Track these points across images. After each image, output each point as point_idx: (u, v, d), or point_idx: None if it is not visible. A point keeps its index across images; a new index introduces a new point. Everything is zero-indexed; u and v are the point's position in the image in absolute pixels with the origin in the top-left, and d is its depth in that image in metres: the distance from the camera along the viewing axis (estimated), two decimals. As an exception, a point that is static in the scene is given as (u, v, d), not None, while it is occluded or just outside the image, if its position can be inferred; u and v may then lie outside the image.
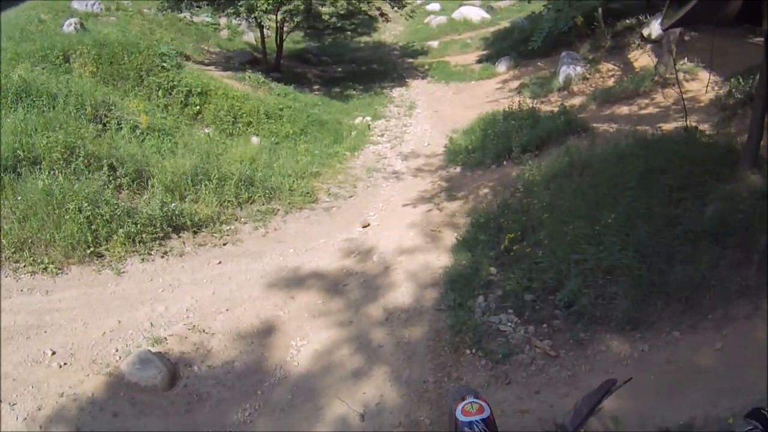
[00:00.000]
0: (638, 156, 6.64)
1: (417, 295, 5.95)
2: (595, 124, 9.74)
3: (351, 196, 9.26)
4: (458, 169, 10.04)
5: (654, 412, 3.97)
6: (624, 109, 10.62)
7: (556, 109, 10.61)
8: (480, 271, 5.89)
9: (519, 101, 11.42)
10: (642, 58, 12.32)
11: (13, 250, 6.08)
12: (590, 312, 4.98)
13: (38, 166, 6.91)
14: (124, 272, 6.31)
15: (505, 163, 9.35)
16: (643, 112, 10.23)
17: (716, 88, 9.52)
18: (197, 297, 5.98)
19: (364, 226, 7.93)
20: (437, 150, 11.41)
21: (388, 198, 9.15)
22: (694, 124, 7.52)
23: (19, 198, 6.41)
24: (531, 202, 6.92)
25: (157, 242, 6.84)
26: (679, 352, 4.52)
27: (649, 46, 12.52)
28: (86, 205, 6.47)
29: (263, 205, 8.33)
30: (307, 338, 5.49)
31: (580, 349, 4.80)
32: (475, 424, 2.07)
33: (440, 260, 6.55)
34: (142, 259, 6.53)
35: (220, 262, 6.77)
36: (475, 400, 2.17)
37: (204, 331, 5.44)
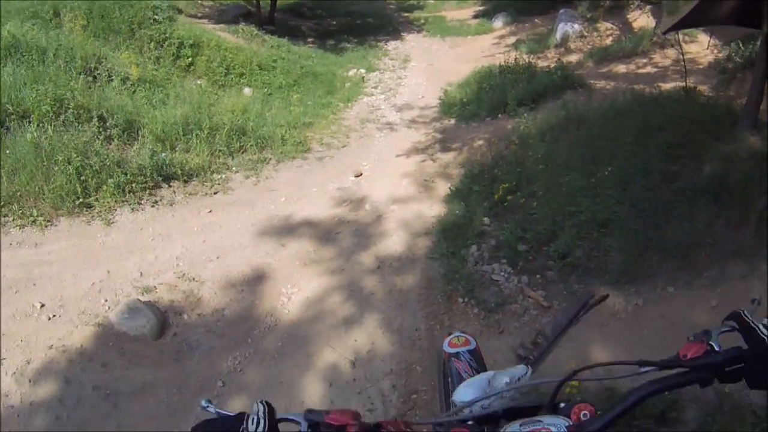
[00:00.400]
0: (636, 112, 6.40)
1: (409, 243, 5.72)
2: (592, 81, 9.48)
3: (344, 146, 8.97)
4: (452, 121, 9.79)
5: None
6: (621, 68, 10.38)
7: (552, 65, 10.33)
8: (473, 220, 5.65)
9: (515, 56, 11.14)
10: (641, 19, 12.03)
11: (1, 204, 5.82)
12: (584, 264, 4.77)
13: (27, 120, 6.63)
14: (113, 222, 6.05)
15: (500, 116, 9.09)
16: (640, 71, 9.97)
17: (715, 51, 9.29)
18: (187, 246, 5.74)
19: (357, 176, 7.65)
20: (431, 102, 11.13)
21: (381, 148, 8.87)
22: (692, 84, 7.25)
23: (8, 152, 6.13)
24: (526, 154, 6.67)
25: (147, 192, 6.57)
26: (673, 308, 4.33)
27: (648, 7, 12.21)
28: (75, 156, 6.21)
29: (255, 154, 8.05)
30: (298, 286, 5.27)
31: (574, 301, 4.55)
32: (462, 354, 2.04)
33: (433, 210, 6.31)
34: (132, 209, 6.26)
35: (210, 211, 6.52)
36: (462, 334, 2.15)
37: (194, 279, 5.22)
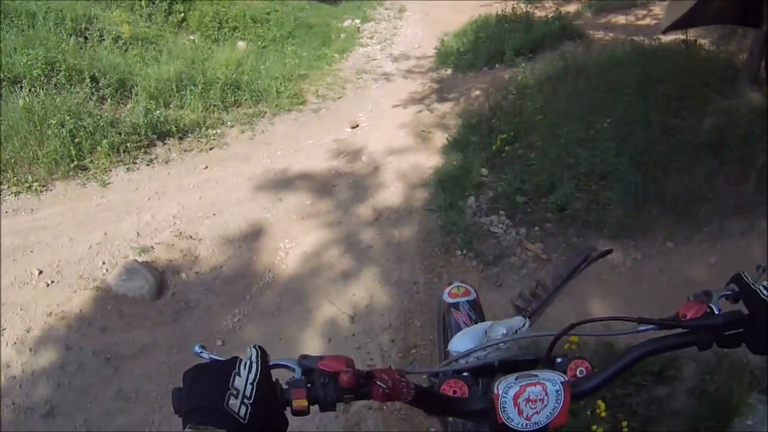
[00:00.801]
0: (635, 63, 6.06)
1: (407, 195, 5.51)
2: (590, 32, 9.09)
3: (340, 98, 8.67)
4: (449, 71, 9.44)
5: None
6: (620, 19, 9.98)
7: (550, 15, 9.90)
8: (471, 171, 5.42)
9: (512, 5, 10.73)
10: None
11: (-3, 171, 5.64)
12: (583, 217, 4.55)
13: (19, 85, 6.36)
14: (109, 183, 5.84)
15: (497, 65, 8.73)
16: (640, 22, 9.57)
17: (717, 6, 8.91)
18: (184, 203, 5.53)
19: (353, 127, 7.39)
20: (428, 52, 10.74)
21: (377, 99, 8.56)
22: (693, 38, 6.92)
23: (0, 119, 5.89)
24: (524, 105, 6.37)
25: (142, 151, 6.33)
26: (672, 263, 4.14)
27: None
28: (68, 118, 5.96)
29: (250, 108, 7.76)
30: (295, 240, 5.09)
31: (573, 255, 4.40)
32: (461, 305, 1.98)
33: (430, 161, 6.06)
34: (128, 169, 6.05)
35: (206, 167, 6.28)
36: (462, 284, 2.06)
37: (191, 237, 5.03)
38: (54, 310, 4.25)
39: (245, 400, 0.86)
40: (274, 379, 0.95)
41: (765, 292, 1.09)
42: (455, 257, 4.57)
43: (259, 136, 7.19)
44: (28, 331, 4.08)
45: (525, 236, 4.62)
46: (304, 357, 1.00)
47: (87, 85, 6.69)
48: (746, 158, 4.49)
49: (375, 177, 5.93)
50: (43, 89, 6.33)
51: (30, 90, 6.28)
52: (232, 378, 0.88)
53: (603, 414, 2.73)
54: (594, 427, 2.70)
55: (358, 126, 7.41)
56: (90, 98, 6.57)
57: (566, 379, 1.07)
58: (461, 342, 1.35)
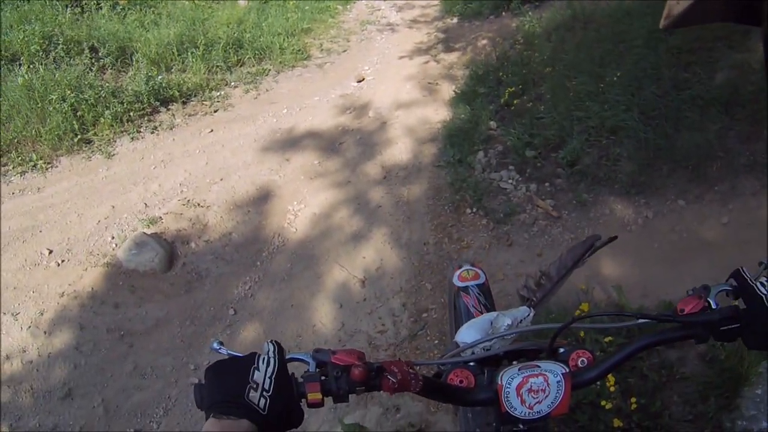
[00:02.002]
0: (645, 14, 5.66)
1: (415, 150, 5.29)
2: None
3: (344, 51, 8.35)
4: (455, 20, 9.06)
5: (656, 283, 3.46)
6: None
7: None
8: (479, 125, 5.16)
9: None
10: None
11: (0, 154, 5.49)
12: (594, 172, 4.34)
13: (18, 63, 6.18)
14: (114, 155, 5.66)
15: (503, 14, 8.35)
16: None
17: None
18: (190, 170, 5.36)
19: (359, 81, 7.11)
20: (432, 1, 10.32)
21: (382, 51, 8.23)
22: None
23: (1, 99, 5.72)
24: (532, 55, 6.04)
25: (146, 118, 6.13)
26: (683, 222, 3.92)
27: None
28: (69, 92, 5.79)
29: (253, 66, 7.48)
30: (304, 202, 4.92)
31: (583, 211, 4.19)
32: (471, 288, 1.99)
33: (438, 114, 5.80)
34: (132, 138, 5.86)
35: (211, 131, 6.08)
36: (471, 267, 2.06)
37: (199, 205, 4.88)
38: (66, 290, 4.15)
39: (264, 393, 0.90)
40: (290, 373, 0.98)
41: (762, 288, 1.08)
42: (465, 215, 4.38)
43: (263, 95, 6.94)
44: (42, 314, 3.99)
45: (535, 192, 4.41)
46: (318, 351, 1.03)
47: (86, 56, 6.48)
48: (759, 116, 4.20)
49: (382, 133, 5.71)
50: (42, 65, 6.15)
51: (29, 67, 6.10)
52: (251, 372, 0.92)
53: (612, 388, 2.61)
54: (603, 402, 2.57)
55: (364, 80, 7.13)
56: (90, 69, 6.36)
57: (567, 370, 1.09)
58: (468, 333, 1.34)
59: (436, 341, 3.49)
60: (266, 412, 0.89)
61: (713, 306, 1.11)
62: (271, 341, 1.00)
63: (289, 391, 0.95)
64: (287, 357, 1.02)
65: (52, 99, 5.70)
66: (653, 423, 2.61)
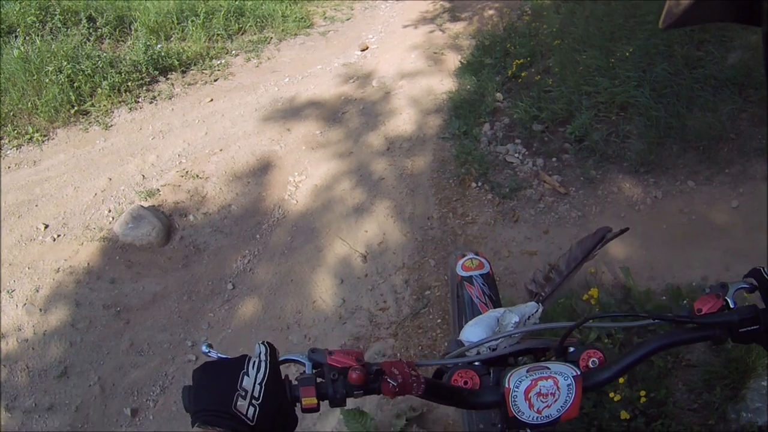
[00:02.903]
0: None
1: (419, 122, 5.07)
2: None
3: (348, 19, 8.04)
4: (461, -11, 8.74)
5: (664, 265, 3.33)
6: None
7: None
8: (486, 96, 4.94)
9: None
10: None
11: (-6, 126, 5.32)
12: (602, 149, 4.15)
13: (14, 35, 5.98)
14: (111, 126, 5.47)
15: (511, -18, 8.03)
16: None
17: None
18: (189, 140, 5.18)
19: (363, 50, 6.86)
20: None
21: (387, 19, 7.91)
22: None
23: None
24: (540, 27, 5.75)
25: (144, 88, 5.91)
26: (693, 203, 3.75)
27: None
28: (66, 63, 5.58)
29: (255, 35, 7.19)
30: (305, 173, 4.74)
31: (591, 188, 4.02)
32: (475, 278, 1.89)
33: (444, 84, 5.55)
34: (130, 109, 5.65)
35: (211, 100, 5.86)
36: (475, 256, 1.97)
37: (198, 176, 4.71)
38: (62, 265, 4.02)
39: (253, 401, 0.84)
40: (283, 375, 0.92)
41: None
42: (470, 189, 4.20)
43: (265, 64, 6.71)
44: (38, 290, 3.87)
45: (542, 167, 4.23)
46: (314, 351, 0.97)
47: (84, 27, 6.28)
48: (772, 97, 4.00)
49: (386, 103, 5.49)
50: (38, 36, 5.96)
51: (25, 39, 5.91)
52: (240, 378, 0.86)
53: (621, 380, 2.49)
54: (612, 394, 2.45)
55: (367, 48, 6.87)
56: (87, 40, 6.17)
57: (578, 372, 1.03)
58: (473, 331, 1.26)
59: (439, 320, 3.34)
60: (254, 423, 0.83)
61: (731, 305, 1.05)
62: (263, 342, 0.94)
63: (281, 396, 0.89)
64: (281, 358, 0.95)
65: (48, 71, 5.50)
66: (657, 411, 2.50)
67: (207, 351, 0.96)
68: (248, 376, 0.87)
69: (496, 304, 1.80)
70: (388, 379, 0.94)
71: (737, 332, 1.03)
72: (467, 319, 1.69)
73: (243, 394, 0.84)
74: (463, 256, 1.98)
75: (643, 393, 2.46)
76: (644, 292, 3.08)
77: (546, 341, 1.19)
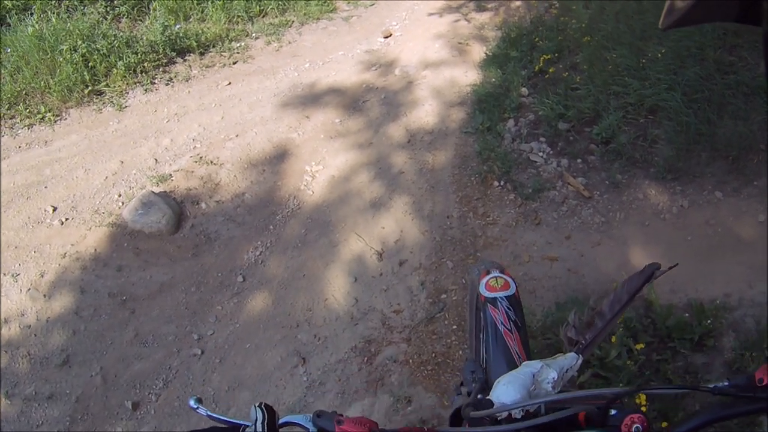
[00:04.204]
0: None
1: (442, 114, 4.92)
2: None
3: (372, 5, 7.85)
4: (488, -21, 8.52)
5: (687, 278, 3.17)
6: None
7: None
8: (511, 91, 4.77)
9: None
10: None
11: (7, 106, 5.24)
12: (629, 152, 3.98)
13: (29, 12, 5.92)
14: (126, 107, 5.38)
15: (539, -25, 7.81)
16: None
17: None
18: (205, 124, 5.08)
19: (386, 37, 6.70)
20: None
21: (411, 6, 7.70)
22: None
23: (9, 50, 5.47)
24: (568, 22, 5.53)
25: (161, 69, 5.82)
26: (719, 215, 3.57)
27: None
28: (81, 42, 5.50)
29: (276, 17, 7.06)
30: (323, 163, 4.62)
31: (616, 193, 3.85)
32: (500, 301, 1.71)
33: (468, 76, 5.38)
34: (145, 90, 5.56)
35: (229, 83, 5.75)
36: (501, 275, 1.78)
37: (212, 162, 4.61)
38: (68, 250, 3.95)
39: None
40: None
41: None
42: (492, 188, 4.05)
43: (285, 48, 6.57)
44: (42, 275, 3.80)
45: (566, 168, 4.07)
46: (320, 415, 0.88)
47: (101, 5, 6.23)
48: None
49: (408, 92, 5.34)
50: (54, 14, 5.88)
51: (40, 16, 5.85)
52: None
53: (644, 407, 2.33)
54: None
55: (391, 35, 6.71)
56: (104, 18, 6.12)
57: None
58: (505, 391, 1.11)
59: (455, 326, 3.22)
60: None
61: None
62: (260, 405, 0.85)
63: None
64: (281, 421, 0.87)
65: (63, 49, 5.42)
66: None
67: (195, 407, 0.89)
68: None
69: (522, 330, 1.66)
70: None
71: None
72: (489, 347, 1.62)
73: None
74: (488, 272, 1.81)
75: (665, 424, 2.34)
76: (666, 308, 2.94)
77: (587, 407, 1.06)
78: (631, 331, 2.77)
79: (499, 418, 1.09)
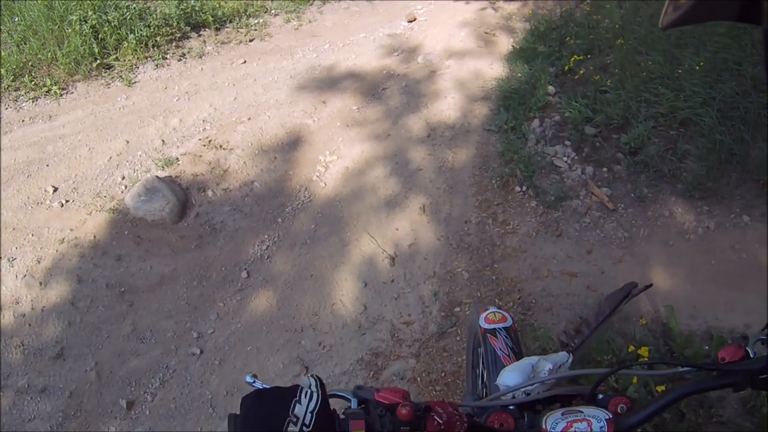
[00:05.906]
0: None
1: (465, 108, 4.75)
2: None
3: (397, -15, 7.71)
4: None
5: (708, 305, 3.08)
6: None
7: None
8: (537, 89, 4.60)
9: None
10: None
11: (12, 77, 5.11)
12: (657, 165, 3.82)
13: (39, -20, 5.77)
14: (135, 82, 5.25)
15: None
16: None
17: None
18: (216, 104, 4.94)
19: (410, 21, 6.50)
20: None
21: (438, -12, 7.58)
22: None
23: (17, 19, 5.33)
24: (600, 20, 5.33)
25: (174, 44, 5.68)
26: (746, 240, 3.42)
27: None
28: (91, 13, 5.37)
29: (297, -6, 6.93)
30: (337, 152, 4.47)
31: (641, 208, 3.70)
32: (498, 331, 1.93)
33: (493, 69, 5.20)
34: (156, 65, 5.43)
35: (244, 62, 5.60)
36: (498, 310, 2.01)
37: (221, 146, 4.47)
38: (67, 235, 3.85)
39: (304, 428, 0.87)
40: (332, 409, 0.94)
41: None
42: (513, 193, 3.90)
43: (305, 27, 6.40)
44: (39, 262, 3.71)
45: (591, 176, 3.91)
46: (360, 388, 1.03)
47: (115, -26, 6.01)
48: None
49: (431, 83, 5.17)
50: (64, -18, 5.73)
51: (51, -17, 5.68)
52: (292, 405, 0.89)
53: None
54: None
55: (415, 20, 6.51)
56: (117, -12, 5.92)
57: (610, 416, 1.08)
58: (510, 376, 1.34)
59: (465, 345, 3.10)
60: None
61: (751, 355, 1.11)
62: (312, 375, 0.96)
63: (330, 428, 0.92)
64: (329, 392, 0.98)
65: (72, 20, 5.28)
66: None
67: (252, 381, 1.00)
68: (300, 404, 0.89)
69: (519, 356, 1.83)
70: (435, 417, 0.97)
71: (757, 379, 1.08)
72: (490, 372, 1.79)
73: (294, 420, 0.87)
74: (486, 309, 2.01)
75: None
76: (686, 337, 2.85)
77: (577, 388, 1.24)
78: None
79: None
